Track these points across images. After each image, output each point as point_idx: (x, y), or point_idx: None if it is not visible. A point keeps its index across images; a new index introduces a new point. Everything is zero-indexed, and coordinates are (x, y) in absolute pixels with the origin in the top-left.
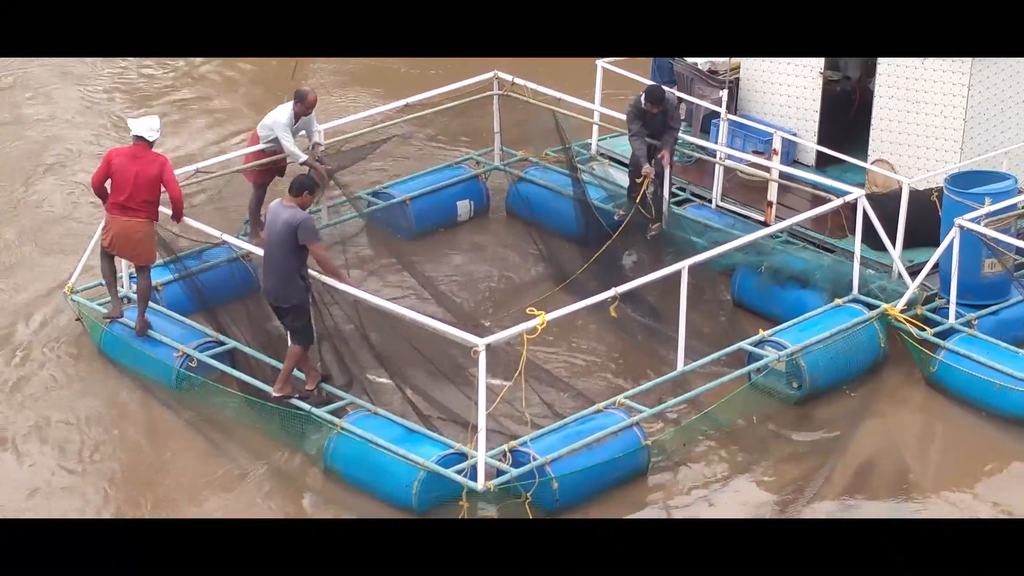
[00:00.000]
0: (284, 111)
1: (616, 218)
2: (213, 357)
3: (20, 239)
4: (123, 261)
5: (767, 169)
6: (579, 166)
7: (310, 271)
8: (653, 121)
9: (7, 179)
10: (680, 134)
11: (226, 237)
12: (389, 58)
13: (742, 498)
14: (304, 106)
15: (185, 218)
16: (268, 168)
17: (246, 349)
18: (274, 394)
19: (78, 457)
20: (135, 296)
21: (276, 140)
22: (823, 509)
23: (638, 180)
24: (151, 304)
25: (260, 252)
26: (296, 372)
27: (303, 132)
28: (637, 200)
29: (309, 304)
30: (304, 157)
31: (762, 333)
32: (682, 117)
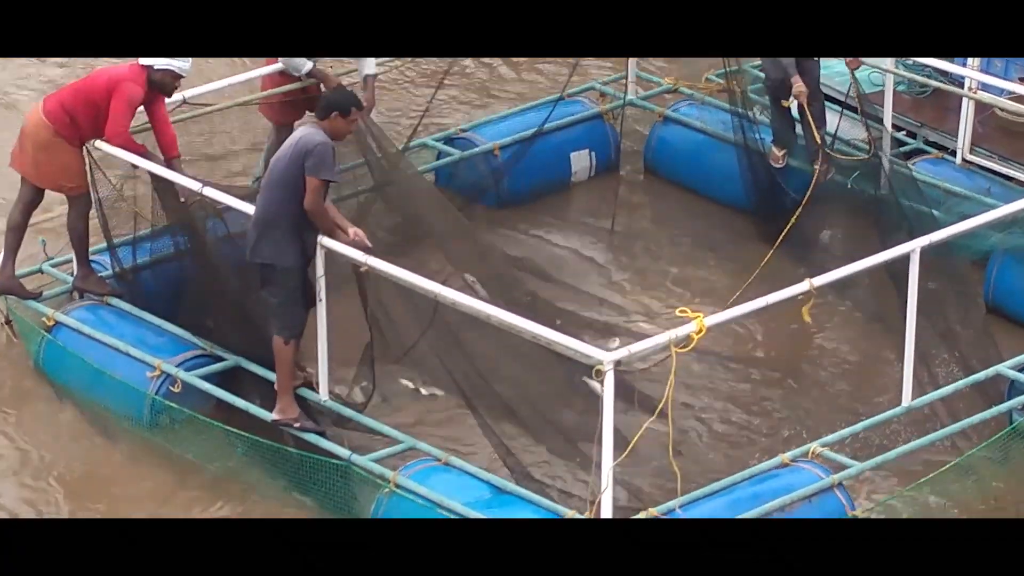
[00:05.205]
0: None
1: (775, 163)
2: (206, 378)
3: None
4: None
5: None
6: (754, 97)
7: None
8: None
9: None
10: None
11: (207, 191)
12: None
13: None
14: None
15: (156, 168)
16: (294, 102)
17: (254, 367)
18: (272, 417)
19: None
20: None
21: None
22: None
23: (784, 103)
24: (113, 301)
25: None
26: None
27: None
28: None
29: (295, 273)
30: (310, 66)
31: None
32: None
